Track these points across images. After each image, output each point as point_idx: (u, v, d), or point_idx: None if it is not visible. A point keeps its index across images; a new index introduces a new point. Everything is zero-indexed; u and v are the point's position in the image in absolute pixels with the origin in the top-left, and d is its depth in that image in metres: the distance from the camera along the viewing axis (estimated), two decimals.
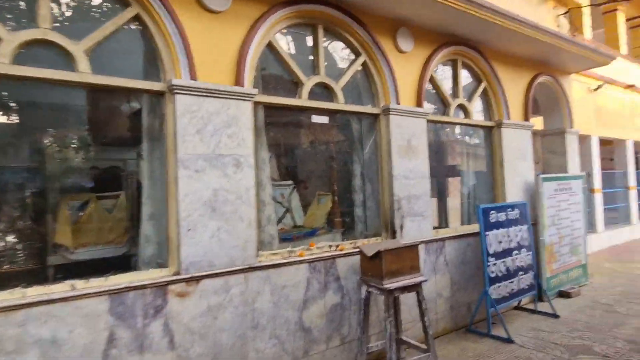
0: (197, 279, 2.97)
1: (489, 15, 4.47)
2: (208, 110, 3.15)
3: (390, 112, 4.25)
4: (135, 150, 4.17)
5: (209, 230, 3.06)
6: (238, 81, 3.32)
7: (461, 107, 5.21)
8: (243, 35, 3.40)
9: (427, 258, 4.45)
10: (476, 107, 5.46)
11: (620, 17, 11.21)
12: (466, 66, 5.33)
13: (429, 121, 4.68)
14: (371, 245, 3.76)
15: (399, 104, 4.34)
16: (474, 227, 5.04)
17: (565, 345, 4.12)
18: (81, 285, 2.65)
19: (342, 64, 4.36)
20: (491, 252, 4.62)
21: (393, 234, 4.21)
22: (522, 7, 5.89)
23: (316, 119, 4.05)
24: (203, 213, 3.04)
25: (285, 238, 4.40)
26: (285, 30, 3.89)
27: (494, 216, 4.73)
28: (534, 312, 5.16)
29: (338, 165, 5.22)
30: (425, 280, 3.64)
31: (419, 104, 4.54)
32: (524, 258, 5.05)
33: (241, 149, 3.28)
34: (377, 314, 3.96)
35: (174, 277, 2.90)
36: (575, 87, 8.26)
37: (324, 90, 4.04)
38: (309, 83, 3.84)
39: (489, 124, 5.50)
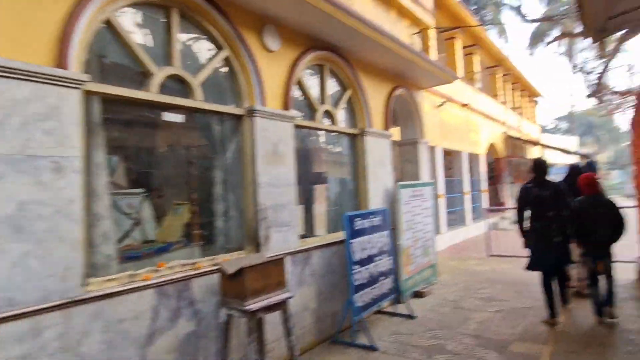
0: None
1: (354, 23, 4.48)
2: (14, 97, 2.38)
3: (256, 114, 3.91)
4: None
5: (9, 257, 2.28)
6: (60, 62, 2.60)
7: (328, 113, 5.15)
8: (69, 4, 2.69)
9: (293, 270, 4.22)
10: (341, 115, 5.48)
11: (458, 44, 12.88)
12: (333, 73, 5.31)
13: (296, 126, 4.48)
14: (233, 261, 3.35)
15: (265, 105, 4.03)
16: (340, 235, 5.00)
17: (423, 346, 4.29)
18: None
19: (202, 58, 3.87)
20: (356, 259, 4.61)
21: (257, 247, 3.86)
22: (383, 22, 6.17)
23: (169, 117, 3.49)
24: (1, 234, 2.26)
25: (132, 256, 3.70)
26: (131, 9, 3.25)
27: (358, 223, 4.75)
28: (393, 314, 5.34)
29: (198, 171, 4.67)
30: (291, 297, 3.38)
31: (286, 107, 4.30)
32: (385, 263, 5.20)
33: (64, 149, 2.57)
34: (239, 339, 3.55)
35: None
36: (424, 102, 9.09)
37: (180, 86, 3.50)
38: (160, 74, 3.26)
39: (353, 131, 5.57)
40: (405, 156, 7.52)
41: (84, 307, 2.57)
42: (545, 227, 4.80)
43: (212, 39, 3.77)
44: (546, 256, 4.80)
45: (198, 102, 3.54)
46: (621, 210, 4.75)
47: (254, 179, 3.90)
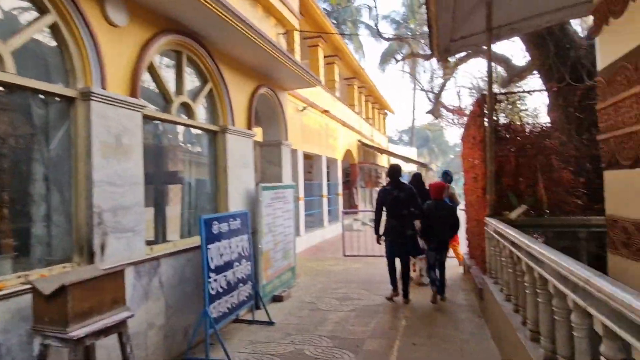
0: None
1: (213, 6, 4.09)
2: None
3: (92, 98, 3.25)
4: None
5: None
6: None
7: (185, 106, 4.66)
8: None
9: (137, 283, 3.64)
10: (201, 110, 5.03)
11: (321, 53, 13.38)
12: (192, 62, 4.83)
13: (145, 117, 3.91)
14: (53, 277, 2.68)
15: (105, 89, 3.38)
16: (195, 240, 4.55)
17: (281, 354, 4.13)
18: None
19: (17, 19, 3.05)
20: (212, 266, 4.22)
21: (91, 258, 3.20)
22: (248, 16, 5.90)
23: None
24: None
25: None
26: None
27: (216, 227, 4.37)
28: (251, 322, 5.09)
29: (9, 164, 3.71)
30: (131, 316, 2.86)
31: (133, 93, 3.71)
32: (244, 269, 4.92)
33: None
34: None
35: None
36: (287, 105, 9.12)
37: None
38: None
39: (214, 128, 5.16)
40: (268, 157, 7.37)
41: None
42: (399, 223, 5.71)
43: None
44: (399, 247, 5.77)
45: (9, 74, 2.75)
46: (457, 213, 5.93)
47: (87, 176, 3.23)
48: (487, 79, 5.32)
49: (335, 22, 28.01)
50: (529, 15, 5.28)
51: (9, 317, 2.57)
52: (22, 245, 3.28)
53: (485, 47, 5.47)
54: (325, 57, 14.14)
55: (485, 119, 5.29)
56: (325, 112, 13.29)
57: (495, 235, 4.34)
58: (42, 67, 3.20)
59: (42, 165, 3.22)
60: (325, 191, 13.61)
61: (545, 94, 6.56)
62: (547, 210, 5.20)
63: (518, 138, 5.41)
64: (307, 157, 12.61)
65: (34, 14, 3.06)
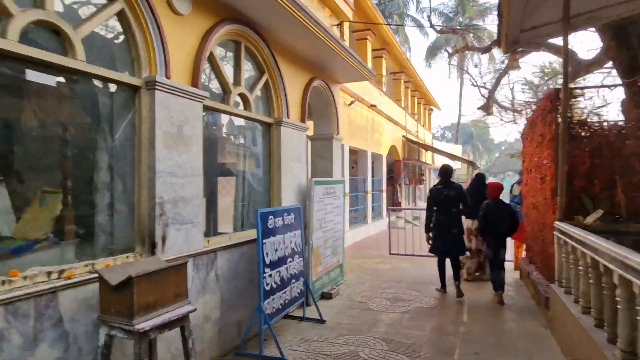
0: None
1: None
2: None
3: (157, 87, 3.21)
4: None
5: None
6: None
7: (242, 97, 4.58)
8: None
9: (195, 275, 3.60)
10: (256, 102, 4.94)
11: (369, 46, 13.06)
12: (249, 52, 4.74)
13: (205, 108, 3.85)
14: (118, 267, 2.65)
15: (169, 78, 3.34)
16: (248, 234, 4.50)
17: (335, 354, 3.99)
18: None
19: (88, 8, 3.05)
20: (267, 261, 4.14)
21: (152, 249, 3.17)
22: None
23: (37, 80, 2.64)
24: None
25: None
26: None
27: (271, 222, 4.28)
28: (302, 319, 4.99)
29: (75, 152, 3.76)
30: (194, 310, 2.80)
31: (195, 83, 3.65)
32: (296, 265, 4.81)
33: None
34: None
35: None
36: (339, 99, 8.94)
37: (53, 38, 2.67)
38: (22, 17, 2.42)
39: (268, 120, 5.07)
40: (318, 152, 7.23)
41: None
42: (448, 220, 5.93)
43: None
44: (446, 244, 5.95)
45: (79, 62, 2.74)
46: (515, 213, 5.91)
47: (150, 166, 3.20)
48: (543, 73, 4.89)
49: (381, 14, 27.49)
50: (612, 2, 4.80)
51: (76, 306, 2.56)
52: (86, 233, 3.30)
53: (553, 39, 5.02)
54: (373, 50, 13.81)
55: (558, 116, 4.88)
56: (373, 106, 13.00)
57: (571, 242, 3.98)
58: (107, 55, 3.19)
59: (106, 154, 3.23)
60: (369, 187, 13.35)
61: (621, 89, 6.01)
62: (624, 216, 4.74)
63: (594, 137, 4.95)
64: (352, 152, 12.40)
65: (102, 0, 3.04)
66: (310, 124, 7.22)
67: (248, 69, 4.82)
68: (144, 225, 3.18)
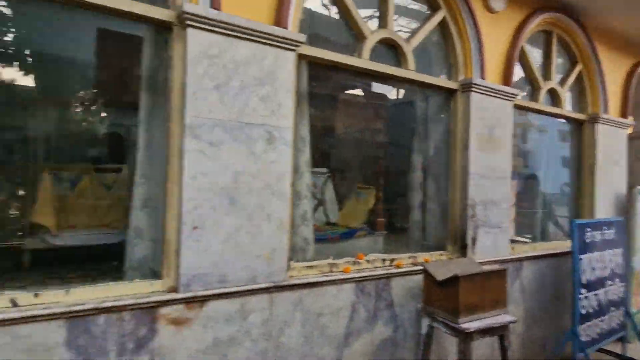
0: (201, 300, 2.04)
1: None
2: (235, 58, 2.19)
3: (473, 89, 3.21)
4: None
5: (223, 231, 2.12)
6: (279, 20, 2.35)
7: (552, 92, 4.12)
8: None
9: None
10: (567, 96, 4.34)
11: None
12: (561, 42, 4.21)
13: (515, 106, 3.63)
14: (439, 264, 2.77)
15: (483, 79, 3.29)
16: (555, 246, 4.00)
17: None
18: (26, 300, 1.75)
19: (412, 20, 3.33)
20: (584, 281, 3.56)
21: (463, 249, 3.20)
22: None
23: (377, 88, 3.06)
24: (217, 205, 2.10)
25: (319, 239, 3.45)
26: None
27: (589, 235, 3.66)
28: (620, 357, 4.08)
29: (388, 154, 4.21)
30: (515, 321, 2.64)
31: (506, 82, 3.49)
32: (616, 290, 3.97)
33: (277, 118, 2.32)
34: (437, 355, 2.98)
35: (169, 296, 1.97)
36: None
37: (389, 52, 3.03)
38: (372, 38, 2.83)
39: (580, 117, 4.38)
40: (639, 153, 5.83)
41: (287, 293, 2.31)
42: None
43: None
44: None
45: (410, 71, 3.01)
46: None
47: (464, 168, 3.23)
48: None
49: None
50: None
51: (403, 293, 2.82)
52: (400, 227, 3.63)
53: None
54: None
55: None
56: None
57: None
58: (427, 62, 3.39)
59: (420, 156, 3.45)
60: None
61: None
62: None
63: None
64: None
65: (425, 12, 3.25)
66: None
67: (559, 61, 4.29)
68: (456, 225, 3.24)
